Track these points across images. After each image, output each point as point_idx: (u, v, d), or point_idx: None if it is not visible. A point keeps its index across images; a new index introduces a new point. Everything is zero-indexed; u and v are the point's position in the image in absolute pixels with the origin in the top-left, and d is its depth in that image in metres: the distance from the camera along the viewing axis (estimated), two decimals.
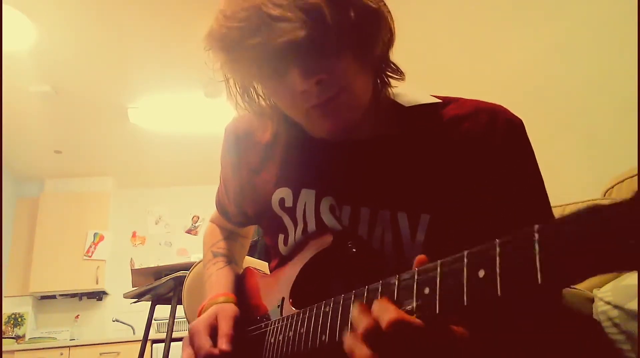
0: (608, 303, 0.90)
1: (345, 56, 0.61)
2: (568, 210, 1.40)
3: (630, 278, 0.94)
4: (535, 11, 2.24)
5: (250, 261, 1.13)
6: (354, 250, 0.65)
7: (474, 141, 0.68)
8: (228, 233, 1.02)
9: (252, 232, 1.07)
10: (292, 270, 0.72)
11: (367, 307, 0.45)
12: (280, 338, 0.65)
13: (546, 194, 0.68)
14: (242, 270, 0.95)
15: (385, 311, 0.42)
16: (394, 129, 0.72)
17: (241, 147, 0.85)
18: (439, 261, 0.42)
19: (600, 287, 0.99)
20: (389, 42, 0.68)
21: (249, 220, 0.92)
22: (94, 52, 3.37)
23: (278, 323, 0.68)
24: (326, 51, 0.59)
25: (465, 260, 0.39)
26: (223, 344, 0.71)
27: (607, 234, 0.29)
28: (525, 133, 0.70)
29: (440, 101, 0.73)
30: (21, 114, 3.94)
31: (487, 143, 0.67)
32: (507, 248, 0.36)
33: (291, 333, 0.62)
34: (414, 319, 0.41)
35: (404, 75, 0.72)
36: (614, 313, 0.88)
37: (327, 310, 0.55)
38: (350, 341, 0.45)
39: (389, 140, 0.72)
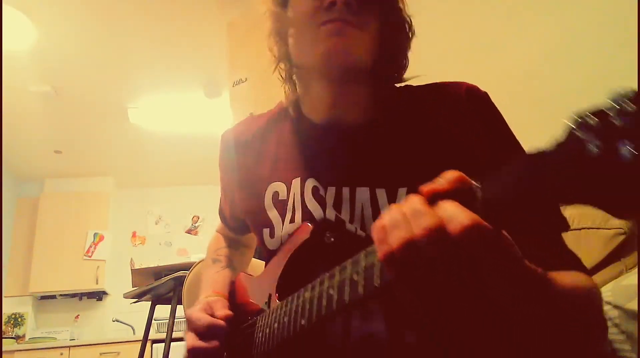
0: (608, 303, 0.90)
1: (374, 17, 0.71)
2: (568, 210, 1.40)
3: (630, 278, 0.94)
4: (535, 12, 2.24)
5: (254, 263, 1.14)
6: (332, 239, 0.67)
7: (442, 112, 0.73)
8: (230, 242, 1.05)
9: (255, 241, 1.08)
10: (277, 266, 0.74)
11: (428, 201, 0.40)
12: (267, 331, 0.67)
13: (518, 143, 0.70)
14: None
15: (458, 214, 0.37)
16: (378, 113, 0.77)
17: (236, 150, 0.88)
18: None
19: (600, 287, 0.99)
20: (401, 63, 0.78)
21: (243, 224, 0.94)
22: (94, 52, 3.37)
23: (265, 318, 0.70)
24: None
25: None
26: (221, 311, 0.76)
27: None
28: (489, 99, 0.74)
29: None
30: (21, 114, 3.95)
31: (453, 111, 0.72)
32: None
33: (276, 325, 0.64)
34: (488, 226, 0.36)
35: (395, 87, 0.79)
36: (614, 313, 0.88)
37: (305, 295, 0.58)
38: (381, 231, 0.40)
39: (371, 124, 0.76)
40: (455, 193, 0.39)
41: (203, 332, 0.74)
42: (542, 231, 0.63)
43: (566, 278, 0.54)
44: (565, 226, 0.66)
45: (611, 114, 0.29)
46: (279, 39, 0.79)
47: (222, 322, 0.75)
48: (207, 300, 0.82)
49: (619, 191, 0.29)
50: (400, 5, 0.77)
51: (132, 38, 3.28)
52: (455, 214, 0.37)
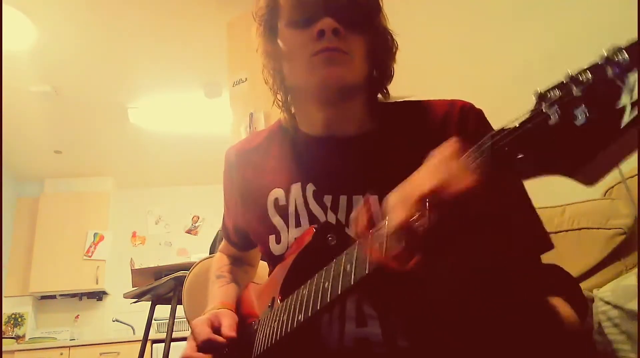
0: (608, 303, 0.90)
1: (363, 39, 0.75)
2: (568, 210, 1.39)
3: (630, 278, 0.94)
4: (532, 14, 2.24)
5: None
6: (334, 242, 0.69)
7: (434, 128, 0.75)
8: (233, 260, 1.07)
9: (258, 260, 1.11)
10: (281, 270, 0.76)
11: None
12: (268, 330, 0.69)
13: None
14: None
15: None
16: (372, 125, 0.81)
17: (238, 166, 0.92)
18: None
19: (600, 287, 0.99)
20: (390, 73, 0.82)
21: (246, 239, 0.96)
22: (94, 52, 3.37)
23: (266, 318, 0.72)
24: (355, 18, 0.73)
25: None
26: (227, 330, 0.76)
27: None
28: (482, 116, 0.76)
29: (413, 98, 0.82)
30: (21, 114, 3.95)
31: (445, 126, 0.74)
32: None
33: (275, 323, 0.66)
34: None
35: (388, 96, 0.83)
36: (614, 313, 0.88)
37: (303, 292, 0.60)
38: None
39: (366, 135, 0.80)
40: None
41: (201, 346, 0.76)
42: (522, 252, 0.64)
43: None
44: (549, 246, 0.67)
45: (570, 85, 0.31)
46: (274, 72, 0.83)
47: (221, 339, 0.75)
48: (214, 312, 0.83)
49: (580, 155, 0.30)
50: (383, 22, 0.81)
51: (132, 38, 3.28)
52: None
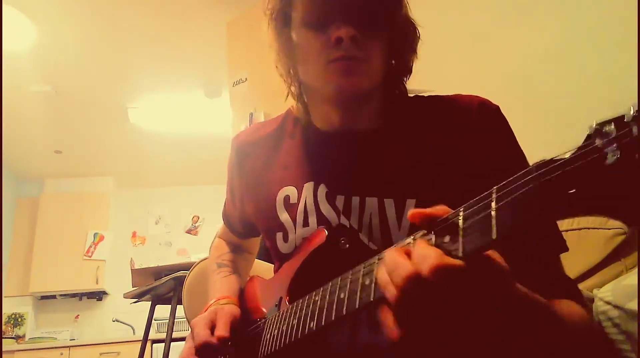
0: (608, 303, 0.90)
1: (382, 39, 0.71)
2: None
3: (630, 278, 0.94)
4: (535, 11, 2.24)
5: (257, 265, 1.14)
6: (347, 246, 0.67)
7: (452, 125, 0.73)
8: (233, 247, 1.05)
9: (257, 247, 1.09)
10: (289, 270, 0.74)
11: (404, 251, 0.43)
12: (276, 332, 0.67)
13: (525, 160, 0.70)
14: (245, 282, 0.96)
15: (427, 257, 0.40)
16: (388, 121, 0.78)
17: (246, 154, 0.89)
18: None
19: (600, 287, 0.99)
20: (409, 67, 0.78)
21: (251, 228, 0.94)
22: (94, 52, 3.37)
23: (273, 319, 0.71)
24: (373, 21, 0.70)
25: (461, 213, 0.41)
26: (220, 331, 0.75)
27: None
28: (501, 114, 0.74)
29: (429, 93, 0.80)
30: (21, 114, 3.95)
31: (464, 125, 0.73)
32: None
33: (284, 326, 0.65)
34: (457, 262, 0.39)
35: (406, 93, 0.80)
36: (614, 313, 0.88)
37: (316, 298, 0.58)
38: (384, 280, 0.43)
39: (380, 132, 0.77)
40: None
41: (197, 347, 0.75)
42: (538, 254, 0.64)
43: (562, 306, 0.56)
44: (564, 248, 0.67)
45: (631, 123, 0.29)
46: (288, 67, 0.79)
47: (215, 341, 0.74)
48: (215, 309, 0.81)
49: (636, 201, 0.28)
50: (405, 13, 0.76)
51: (132, 38, 3.28)
52: (424, 257, 0.40)
